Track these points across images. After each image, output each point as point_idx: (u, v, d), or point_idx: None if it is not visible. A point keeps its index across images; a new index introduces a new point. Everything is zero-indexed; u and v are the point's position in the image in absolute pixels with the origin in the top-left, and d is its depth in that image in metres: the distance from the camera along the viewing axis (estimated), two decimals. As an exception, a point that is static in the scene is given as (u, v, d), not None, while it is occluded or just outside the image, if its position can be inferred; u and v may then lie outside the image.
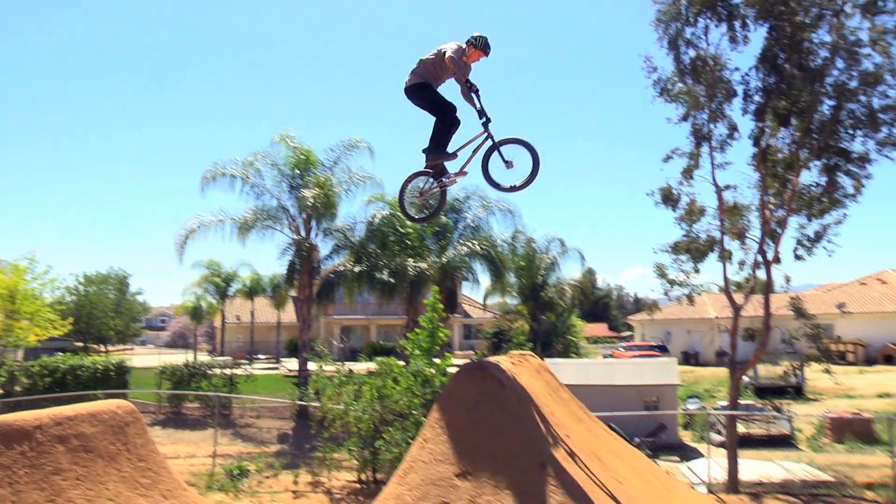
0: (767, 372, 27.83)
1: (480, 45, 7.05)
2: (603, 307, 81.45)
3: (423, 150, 7.33)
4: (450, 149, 7.22)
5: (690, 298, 16.78)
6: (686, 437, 22.37)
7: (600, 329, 69.44)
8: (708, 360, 41.94)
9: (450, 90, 7.18)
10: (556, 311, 36.13)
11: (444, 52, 6.97)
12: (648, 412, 19.19)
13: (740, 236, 16.32)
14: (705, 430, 19.69)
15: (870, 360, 38.28)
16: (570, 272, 45.38)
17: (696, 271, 16.40)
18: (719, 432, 19.22)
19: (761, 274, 16.16)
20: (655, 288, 17.99)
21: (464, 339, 55.35)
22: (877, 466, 16.12)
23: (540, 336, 33.63)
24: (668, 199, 16.42)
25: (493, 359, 6.88)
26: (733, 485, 14.95)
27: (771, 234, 15.99)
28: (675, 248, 16.46)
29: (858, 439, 20.53)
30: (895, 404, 23.52)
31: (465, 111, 7.34)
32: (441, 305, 14.68)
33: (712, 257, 16.40)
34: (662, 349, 39.19)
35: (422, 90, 7.13)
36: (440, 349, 14.79)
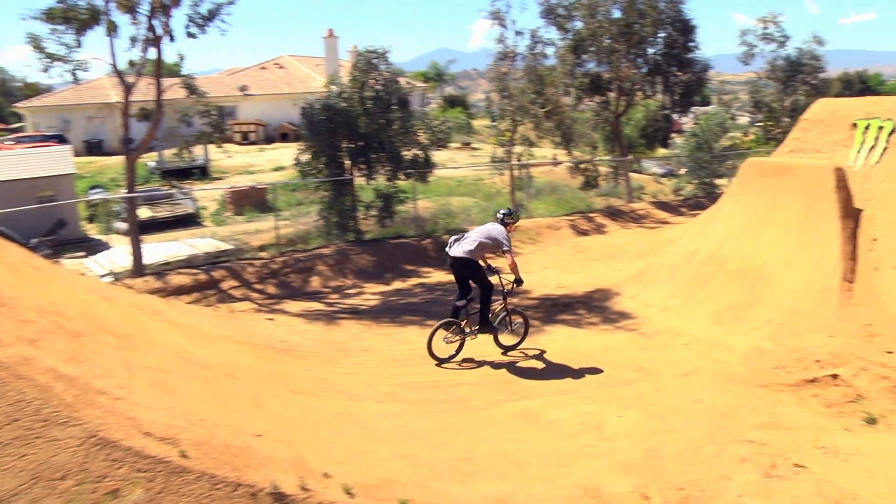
0: (174, 156, 28.63)
1: (516, 219, 9.86)
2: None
3: (476, 330, 9.57)
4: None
5: (75, 77, 15.75)
6: (93, 230, 22.02)
7: (-18, 122, 60.26)
8: (113, 148, 40.77)
9: None
10: None
11: (501, 239, 9.19)
12: (42, 206, 18.04)
13: (130, 9, 15.63)
14: (111, 219, 19.64)
15: (269, 139, 42.60)
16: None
17: (79, 45, 15.33)
18: (126, 220, 19.39)
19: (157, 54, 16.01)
20: (33, 64, 16.26)
21: None
22: (268, 230, 18.53)
23: None
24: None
25: None
26: (139, 269, 15.49)
27: (162, 8, 15.73)
28: (50, 16, 14.93)
29: (256, 209, 23.18)
30: (288, 175, 26.90)
31: None
32: None
33: (100, 32, 15.48)
34: (61, 139, 36.54)
35: (476, 267, 9.30)
36: None
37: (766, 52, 31.20)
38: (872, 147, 12.45)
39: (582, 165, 24.85)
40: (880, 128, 12.52)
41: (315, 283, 15.75)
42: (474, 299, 9.60)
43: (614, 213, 22.84)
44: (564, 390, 8.66)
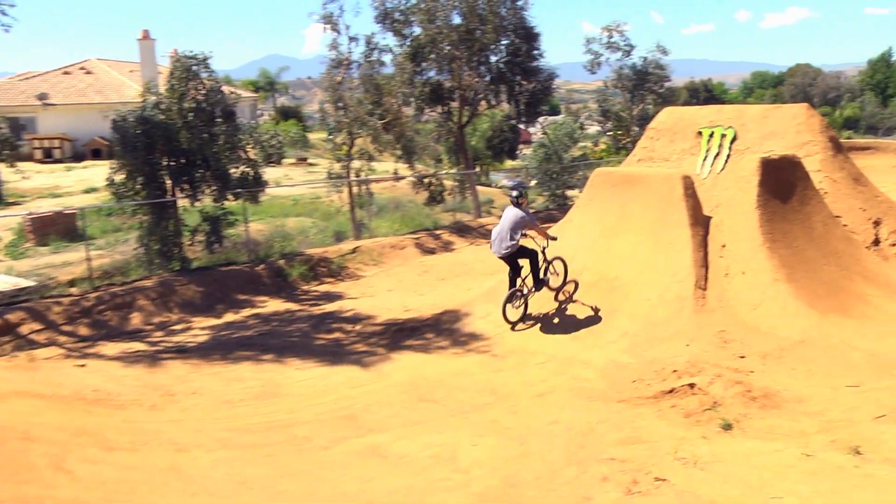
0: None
1: (526, 194, 12.34)
2: None
3: (533, 289, 11.85)
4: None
5: None
6: None
7: None
8: None
9: None
10: None
11: (525, 221, 11.39)
12: None
13: None
14: None
15: (78, 156, 39.99)
16: None
17: None
18: None
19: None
20: None
21: None
22: (79, 262, 17.34)
23: None
24: None
25: None
26: (-87, 313, 14.02)
27: None
28: None
29: (63, 238, 21.64)
30: (102, 198, 25.38)
31: None
32: None
33: None
34: None
35: (520, 249, 11.53)
36: None
37: (612, 60, 32.97)
38: (717, 155, 13.38)
39: (426, 180, 25.15)
40: (723, 135, 13.50)
41: (135, 319, 14.89)
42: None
43: (462, 230, 23.22)
44: (413, 421, 8.59)
